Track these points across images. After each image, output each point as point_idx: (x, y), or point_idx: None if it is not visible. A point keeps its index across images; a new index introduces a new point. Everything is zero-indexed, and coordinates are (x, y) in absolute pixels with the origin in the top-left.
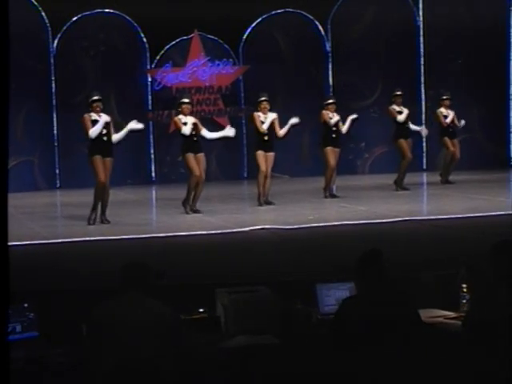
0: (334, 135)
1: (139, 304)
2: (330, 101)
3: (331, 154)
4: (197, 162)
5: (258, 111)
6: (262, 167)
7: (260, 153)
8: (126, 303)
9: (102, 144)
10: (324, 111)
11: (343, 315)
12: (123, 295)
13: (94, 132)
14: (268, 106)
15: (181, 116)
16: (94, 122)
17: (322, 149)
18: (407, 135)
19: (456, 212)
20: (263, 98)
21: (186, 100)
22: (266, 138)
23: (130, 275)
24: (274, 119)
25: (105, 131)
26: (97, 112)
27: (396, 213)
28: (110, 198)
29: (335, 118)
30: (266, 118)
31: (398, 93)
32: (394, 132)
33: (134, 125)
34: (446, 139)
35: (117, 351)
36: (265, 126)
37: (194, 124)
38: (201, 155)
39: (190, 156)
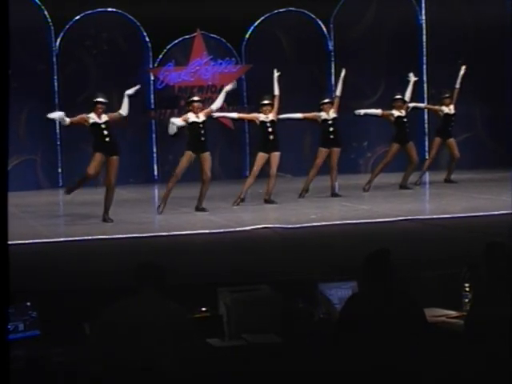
0: (331, 136)
1: (155, 304)
2: (326, 100)
3: (321, 154)
4: (202, 162)
5: (259, 112)
6: (255, 168)
7: (261, 155)
8: (142, 303)
9: (104, 144)
10: (319, 113)
11: (349, 313)
12: (138, 295)
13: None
14: (270, 109)
15: (190, 114)
16: (94, 125)
17: (318, 147)
18: (407, 139)
19: (458, 211)
20: (266, 102)
21: (196, 98)
22: (271, 137)
23: (146, 275)
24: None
25: (106, 132)
26: (98, 114)
27: (398, 212)
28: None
29: (332, 115)
30: (268, 118)
31: (397, 97)
32: (393, 135)
33: (130, 91)
34: (437, 139)
35: (126, 351)
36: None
37: (203, 122)
38: (206, 154)
39: (188, 154)
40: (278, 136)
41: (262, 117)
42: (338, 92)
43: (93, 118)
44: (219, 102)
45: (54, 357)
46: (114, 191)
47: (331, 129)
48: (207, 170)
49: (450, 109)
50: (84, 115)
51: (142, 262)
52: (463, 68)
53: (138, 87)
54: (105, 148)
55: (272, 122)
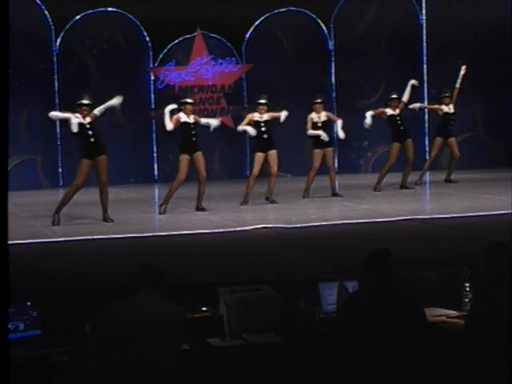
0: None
1: (154, 304)
2: (318, 100)
3: (318, 156)
4: (195, 162)
5: (255, 111)
6: (255, 169)
7: (258, 155)
8: (141, 303)
9: (90, 145)
10: (310, 116)
11: (348, 311)
12: (137, 295)
13: (74, 127)
14: (266, 108)
15: (181, 114)
16: (78, 126)
17: (311, 150)
18: (405, 137)
19: (459, 211)
20: (263, 101)
21: (190, 100)
22: (265, 136)
23: (146, 275)
24: (271, 117)
25: (91, 132)
26: (83, 115)
27: (399, 212)
28: (113, 197)
29: (322, 117)
30: (262, 118)
31: (394, 96)
32: (391, 134)
33: (116, 101)
34: (438, 140)
35: (124, 350)
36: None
37: (194, 123)
38: (198, 154)
39: (185, 158)
40: (272, 135)
41: (256, 116)
42: (340, 133)
43: (78, 118)
44: (205, 121)
45: (55, 356)
46: (108, 191)
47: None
48: (202, 169)
49: (449, 108)
50: (71, 114)
51: (141, 262)
52: (463, 68)
53: (119, 102)
54: (91, 150)
55: (266, 121)
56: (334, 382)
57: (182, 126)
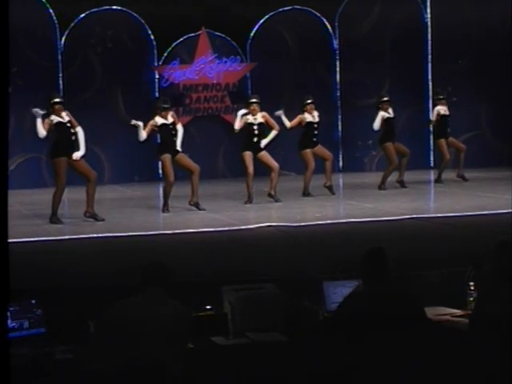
0: (314, 139)
1: (159, 303)
2: (309, 101)
3: (310, 156)
4: (181, 161)
5: (247, 113)
6: (250, 169)
7: (247, 153)
8: (146, 302)
9: (71, 143)
10: (302, 116)
11: (344, 312)
12: (142, 294)
13: (40, 134)
14: (258, 108)
15: (157, 119)
16: (58, 125)
17: (301, 151)
18: (394, 137)
19: (463, 210)
20: (253, 100)
21: (167, 105)
22: (255, 139)
23: (152, 274)
24: (265, 119)
25: (72, 130)
26: (58, 114)
27: (403, 210)
28: (117, 195)
29: (315, 117)
30: (256, 120)
31: (386, 99)
32: (381, 135)
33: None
34: (442, 142)
35: (129, 349)
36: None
37: (173, 123)
38: (180, 155)
39: (168, 158)
40: (261, 138)
41: (250, 119)
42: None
43: (56, 119)
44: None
45: (59, 354)
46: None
47: (316, 132)
48: (190, 163)
49: (444, 110)
50: (47, 120)
51: (148, 261)
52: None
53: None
54: (70, 148)
55: (260, 124)
56: (337, 381)
57: (161, 128)
